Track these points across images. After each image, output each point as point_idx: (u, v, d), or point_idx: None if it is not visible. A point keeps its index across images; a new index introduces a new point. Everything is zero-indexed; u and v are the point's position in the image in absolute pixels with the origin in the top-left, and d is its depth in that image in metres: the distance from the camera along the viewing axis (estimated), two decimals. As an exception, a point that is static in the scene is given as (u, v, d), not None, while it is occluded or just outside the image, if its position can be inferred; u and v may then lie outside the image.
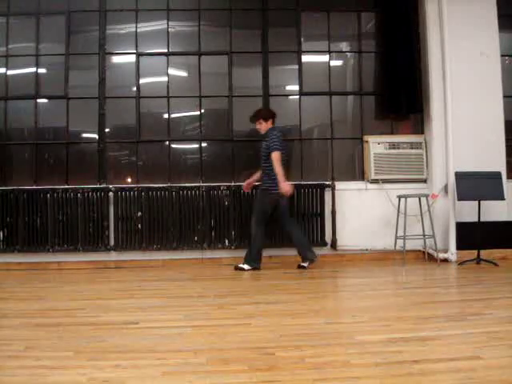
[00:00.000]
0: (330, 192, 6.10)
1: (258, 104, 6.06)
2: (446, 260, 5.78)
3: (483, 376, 2.23)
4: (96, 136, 6.12)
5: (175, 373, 2.38)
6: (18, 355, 2.62)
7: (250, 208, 5.71)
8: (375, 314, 3.46)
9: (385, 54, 6.25)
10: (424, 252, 6.00)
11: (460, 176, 5.68)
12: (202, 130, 6.27)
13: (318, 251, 5.99)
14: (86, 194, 5.87)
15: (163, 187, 5.96)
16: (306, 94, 6.33)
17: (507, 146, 6.12)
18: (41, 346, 2.79)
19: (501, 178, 5.66)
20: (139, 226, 5.91)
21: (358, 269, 5.62)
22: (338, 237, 6.06)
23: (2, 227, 5.78)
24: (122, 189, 5.93)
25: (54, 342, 2.85)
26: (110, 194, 5.92)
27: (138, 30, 6.21)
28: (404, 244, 5.65)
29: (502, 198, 5.60)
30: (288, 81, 6.44)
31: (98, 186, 5.99)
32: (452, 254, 5.80)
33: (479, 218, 5.54)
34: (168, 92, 6.21)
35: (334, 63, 6.47)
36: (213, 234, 5.97)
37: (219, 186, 5.98)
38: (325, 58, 6.43)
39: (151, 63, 6.25)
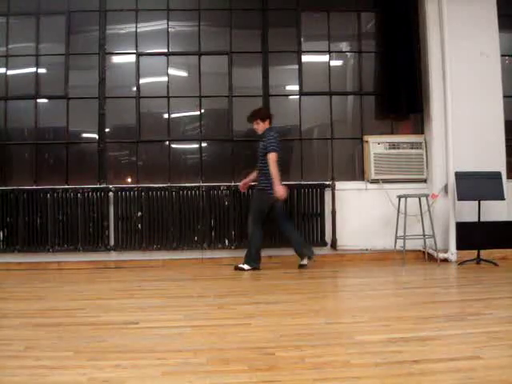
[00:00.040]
0: (330, 192, 6.10)
1: (258, 104, 6.06)
2: (445, 260, 5.78)
3: (483, 376, 2.23)
4: (96, 136, 6.12)
5: (175, 373, 2.38)
6: (17, 355, 2.62)
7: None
8: (375, 314, 3.46)
9: (385, 54, 6.25)
10: (424, 252, 6.01)
11: (460, 176, 5.69)
12: (202, 130, 6.28)
13: (318, 251, 6.00)
14: (85, 194, 5.87)
15: (163, 187, 5.96)
16: (306, 94, 6.33)
17: (507, 146, 6.12)
18: (41, 346, 2.79)
19: (501, 178, 5.66)
20: (139, 225, 5.91)
21: (358, 269, 5.62)
22: (337, 237, 6.06)
23: (2, 227, 5.78)
24: (122, 189, 5.93)
25: (54, 342, 2.85)
26: (110, 194, 5.92)
27: (138, 30, 6.22)
28: (404, 244, 5.65)
29: (502, 198, 5.60)
30: (288, 81, 6.44)
31: (98, 186, 5.99)
32: (452, 253, 5.80)
33: (479, 218, 5.54)
34: (168, 92, 6.21)
35: (333, 63, 6.47)
36: (213, 234, 5.97)
37: (219, 186, 5.99)
38: (325, 58, 6.43)
39: (151, 63, 6.26)
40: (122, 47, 6.23)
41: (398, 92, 6.07)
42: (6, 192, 5.79)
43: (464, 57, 6.03)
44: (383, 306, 3.77)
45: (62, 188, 5.88)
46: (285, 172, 6.25)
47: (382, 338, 2.85)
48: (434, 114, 6.09)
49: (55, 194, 5.83)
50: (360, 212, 6.12)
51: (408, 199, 5.71)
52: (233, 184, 6.03)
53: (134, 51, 6.19)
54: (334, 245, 6.06)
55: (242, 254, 5.55)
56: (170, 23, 6.25)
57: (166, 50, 6.24)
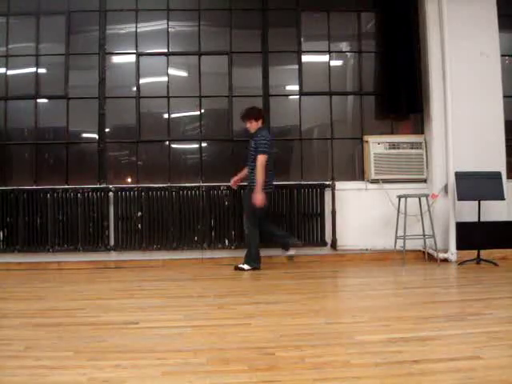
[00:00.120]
0: (330, 192, 6.10)
1: (258, 104, 6.05)
2: (446, 260, 5.78)
3: (483, 376, 2.23)
4: (96, 136, 6.12)
5: (175, 373, 2.38)
6: (17, 355, 2.62)
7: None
8: (375, 313, 3.46)
9: (385, 54, 6.25)
10: (424, 252, 6.00)
11: (460, 176, 5.69)
12: (202, 130, 6.28)
13: (318, 251, 6.01)
14: (86, 194, 5.87)
15: (163, 187, 5.96)
16: (306, 94, 6.33)
17: (507, 146, 6.12)
18: (41, 346, 2.79)
19: (501, 178, 5.66)
20: (139, 225, 5.91)
21: (358, 269, 5.62)
22: (337, 237, 6.06)
23: (2, 227, 5.78)
24: (122, 189, 5.93)
25: (54, 342, 2.85)
26: (110, 194, 5.92)
27: (138, 30, 6.21)
28: (404, 244, 5.65)
29: (502, 198, 5.60)
30: (288, 81, 6.44)
31: (98, 186, 5.99)
32: (452, 253, 5.80)
33: (479, 218, 5.54)
34: (168, 92, 6.21)
35: (333, 63, 6.47)
36: (213, 234, 5.97)
37: (219, 186, 5.98)
38: (325, 58, 6.43)
39: (151, 63, 6.25)
40: (121, 47, 6.23)
41: (398, 92, 6.07)
42: (6, 192, 5.79)
43: (464, 57, 6.03)
44: (383, 306, 3.77)
45: (62, 188, 5.87)
46: (285, 172, 6.29)
47: (382, 337, 2.85)
48: (434, 114, 6.09)
49: (55, 194, 5.83)
50: (360, 212, 6.12)
51: (408, 199, 5.71)
52: (233, 184, 6.03)
53: (134, 51, 6.19)
54: (334, 245, 6.06)
55: (241, 253, 5.55)
56: (170, 23, 6.25)
57: (165, 50, 6.24)
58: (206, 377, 2.31)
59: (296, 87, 6.35)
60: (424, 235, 5.84)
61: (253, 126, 5.48)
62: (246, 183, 5.56)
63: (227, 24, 6.30)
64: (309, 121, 6.37)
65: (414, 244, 5.94)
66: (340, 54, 6.57)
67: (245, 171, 5.62)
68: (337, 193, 6.11)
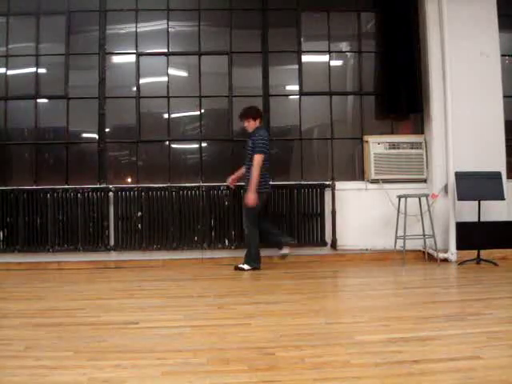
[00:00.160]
0: (330, 192, 6.10)
1: (258, 104, 6.05)
2: (446, 260, 5.78)
3: (483, 376, 2.24)
4: (96, 136, 6.12)
5: (175, 373, 2.38)
6: (17, 355, 2.62)
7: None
8: (375, 314, 3.46)
9: (385, 54, 6.25)
10: (424, 252, 6.00)
11: (460, 176, 5.69)
12: (202, 130, 6.28)
13: (318, 251, 6.01)
14: (86, 194, 5.87)
15: (163, 187, 5.96)
16: (306, 94, 6.33)
17: (507, 146, 6.12)
18: (41, 346, 2.79)
19: (501, 178, 5.66)
20: (139, 225, 5.91)
21: (358, 269, 5.62)
22: (337, 237, 6.06)
23: (2, 227, 5.78)
24: (122, 189, 5.93)
25: (54, 342, 2.85)
26: (110, 193, 5.92)
27: (138, 30, 6.21)
28: (404, 244, 5.65)
29: (502, 198, 5.60)
30: (288, 81, 6.44)
31: (98, 186, 5.99)
32: (452, 253, 5.80)
33: (479, 218, 5.54)
34: (168, 92, 6.21)
35: (333, 63, 6.47)
36: (213, 234, 5.97)
37: (219, 186, 5.98)
38: (325, 58, 6.43)
39: (151, 63, 6.25)
40: (121, 47, 6.23)
41: (398, 92, 6.07)
42: (6, 192, 5.79)
43: (464, 57, 6.03)
44: (383, 306, 3.77)
45: (62, 188, 5.87)
46: (285, 172, 6.29)
47: (382, 337, 2.86)
48: (434, 114, 6.09)
49: (55, 194, 5.83)
50: (360, 212, 6.12)
51: (408, 199, 5.71)
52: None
53: (134, 51, 6.18)
54: (334, 245, 6.06)
55: (241, 253, 5.55)
56: (170, 23, 6.25)
57: (165, 50, 6.24)
58: (206, 377, 2.31)
59: (296, 87, 6.35)
60: (424, 235, 5.84)
61: (250, 125, 5.48)
62: (243, 183, 5.57)
63: (227, 24, 6.30)
64: (309, 121, 6.37)
65: (414, 244, 5.94)
66: (340, 53, 6.57)
67: (242, 170, 5.62)
68: (337, 193, 6.11)
